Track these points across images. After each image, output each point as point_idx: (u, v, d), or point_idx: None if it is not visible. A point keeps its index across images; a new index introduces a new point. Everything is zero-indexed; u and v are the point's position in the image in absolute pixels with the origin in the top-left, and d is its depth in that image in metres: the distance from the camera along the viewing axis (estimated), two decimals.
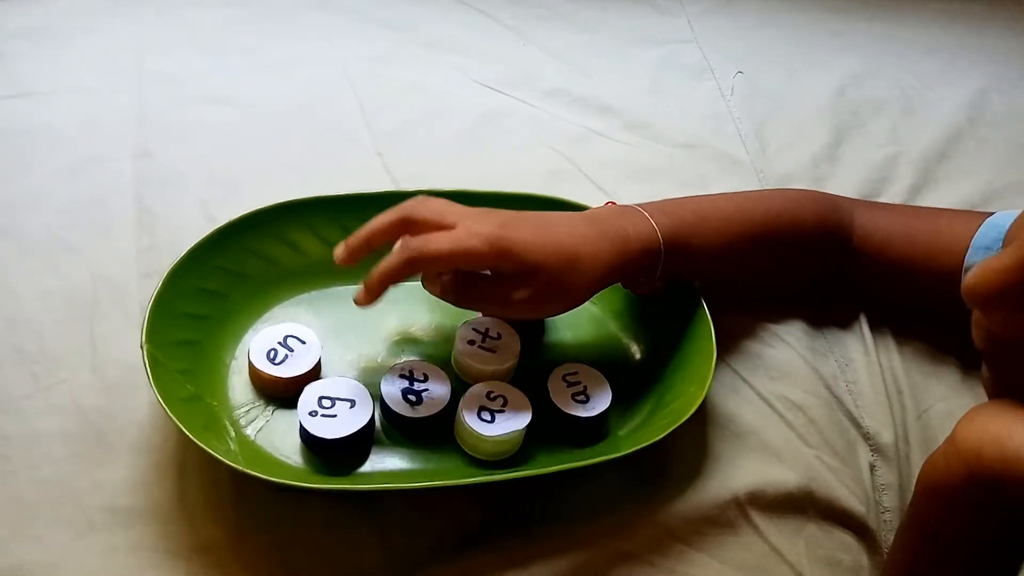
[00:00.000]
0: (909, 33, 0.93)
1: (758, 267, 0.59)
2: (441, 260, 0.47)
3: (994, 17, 0.97)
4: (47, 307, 0.56)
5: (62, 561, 0.46)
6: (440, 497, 0.49)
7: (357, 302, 0.48)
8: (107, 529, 0.47)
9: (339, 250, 0.49)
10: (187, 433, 0.45)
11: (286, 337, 0.52)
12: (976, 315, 0.36)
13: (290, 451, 0.50)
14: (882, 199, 0.71)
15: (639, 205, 0.54)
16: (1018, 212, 0.56)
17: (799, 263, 0.60)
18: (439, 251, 0.46)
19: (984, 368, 0.38)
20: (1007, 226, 0.54)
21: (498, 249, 0.46)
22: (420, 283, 0.51)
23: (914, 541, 0.39)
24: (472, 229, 0.47)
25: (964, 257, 0.56)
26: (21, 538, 0.46)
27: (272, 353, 0.52)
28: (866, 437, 0.56)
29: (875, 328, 0.61)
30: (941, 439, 0.55)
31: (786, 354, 0.59)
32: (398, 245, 0.47)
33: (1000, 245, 0.54)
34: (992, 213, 0.58)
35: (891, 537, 0.53)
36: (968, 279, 0.34)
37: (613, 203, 0.57)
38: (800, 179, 0.72)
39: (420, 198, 0.50)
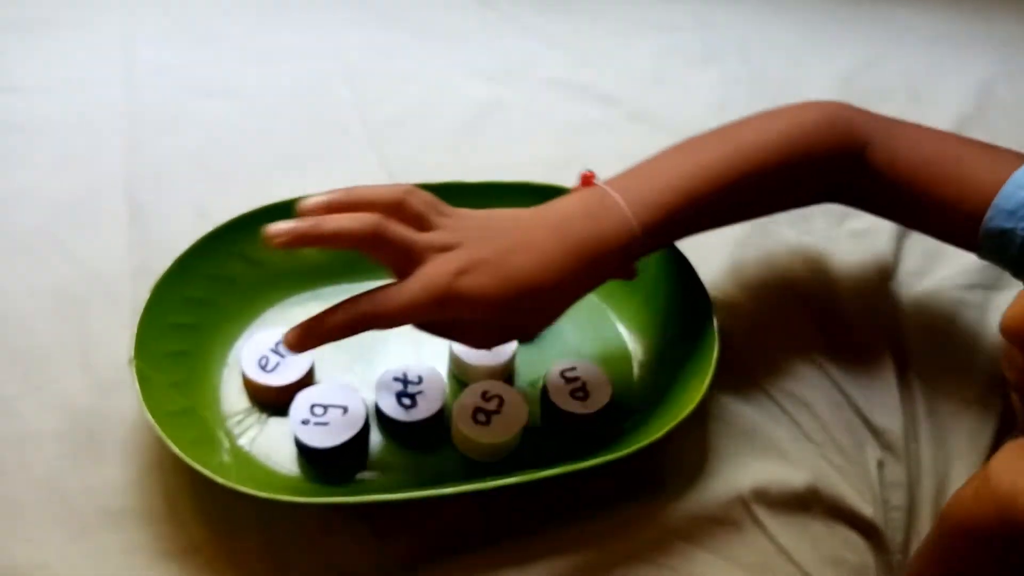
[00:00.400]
0: (915, 21, 0.92)
1: (749, 215, 0.56)
2: (394, 322, 0.43)
3: (1001, 4, 0.96)
4: (37, 305, 0.55)
5: (53, 561, 0.45)
6: (436, 498, 0.48)
7: (287, 344, 0.42)
8: (99, 530, 0.46)
9: (280, 227, 0.43)
10: (176, 451, 0.44)
11: (278, 344, 0.51)
12: (1009, 349, 0.35)
13: (285, 460, 0.49)
14: None
15: (618, 188, 0.48)
16: None
17: (797, 196, 0.56)
18: (390, 314, 0.42)
19: (1015, 399, 0.37)
20: None
21: (449, 306, 0.43)
22: None
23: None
24: (426, 281, 0.42)
25: (985, 214, 0.51)
26: (12, 539, 0.46)
27: (264, 360, 0.51)
28: (875, 434, 0.55)
29: (889, 320, 0.60)
30: (950, 438, 0.56)
31: (793, 350, 0.58)
32: (343, 304, 0.43)
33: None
34: (1021, 156, 0.53)
35: (898, 536, 0.52)
36: (1006, 317, 0.33)
37: (590, 175, 0.52)
38: None
39: (394, 204, 0.44)
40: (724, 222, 0.54)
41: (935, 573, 0.38)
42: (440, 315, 0.44)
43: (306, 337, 0.42)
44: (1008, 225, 0.50)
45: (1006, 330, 0.33)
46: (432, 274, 0.42)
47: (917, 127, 0.58)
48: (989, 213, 0.51)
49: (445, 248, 0.43)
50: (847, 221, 0.67)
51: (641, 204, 0.48)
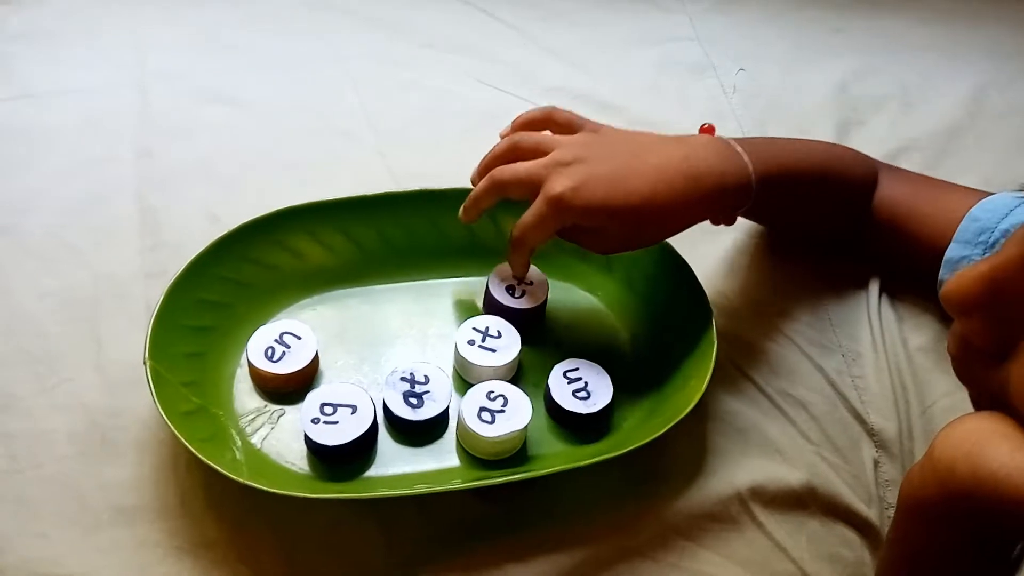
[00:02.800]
0: (909, 29, 0.93)
1: (813, 214, 0.62)
2: (535, 235, 0.52)
3: (993, 12, 0.97)
4: (50, 307, 0.56)
5: (67, 558, 0.46)
6: (442, 495, 0.49)
7: (461, 217, 0.55)
8: (112, 526, 0.48)
9: (473, 174, 0.57)
10: (191, 448, 0.45)
11: (282, 334, 0.53)
12: (953, 324, 0.36)
13: (295, 457, 0.50)
14: None
15: (738, 142, 0.54)
16: (999, 196, 0.57)
17: (842, 213, 0.62)
18: (527, 230, 0.52)
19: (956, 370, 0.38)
20: (986, 220, 0.55)
21: (563, 213, 0.50)
22: (421, 285, 0.57)
23: (895, 558, 0.39)
24: (547, 190, 0.50)
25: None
26: (27, 535, 0.47)
27: (270, 351, 0.52)
28: (870, 433, 0.56)
29: (883, 321, 0.62)
30: None
31: (790, 350, 0.59)
32: (487, 176, 0.53)
33: (981, 238, 0.55)
34: (991, 194, 0.58)
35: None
36: (945, 286, 0.34)
37: (710, 127, 0.60)
38: None
39: (525, 122, 0.57)
40: (796, 211, 0.61)
41: (895, 553, 0.39)
42: (562, 222, 0.51)
43: (467, 208, 0.55)
44: (964, 253, 0.54)
45: (944, 298, 0.34)
46: (553, 186, 0.50)
47: (899, 169, 0.65)
48: (951, 244, 0.56)
49: (572, 162, 0.51)
50: None
51: (758, 159, 0.54)
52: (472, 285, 0.60)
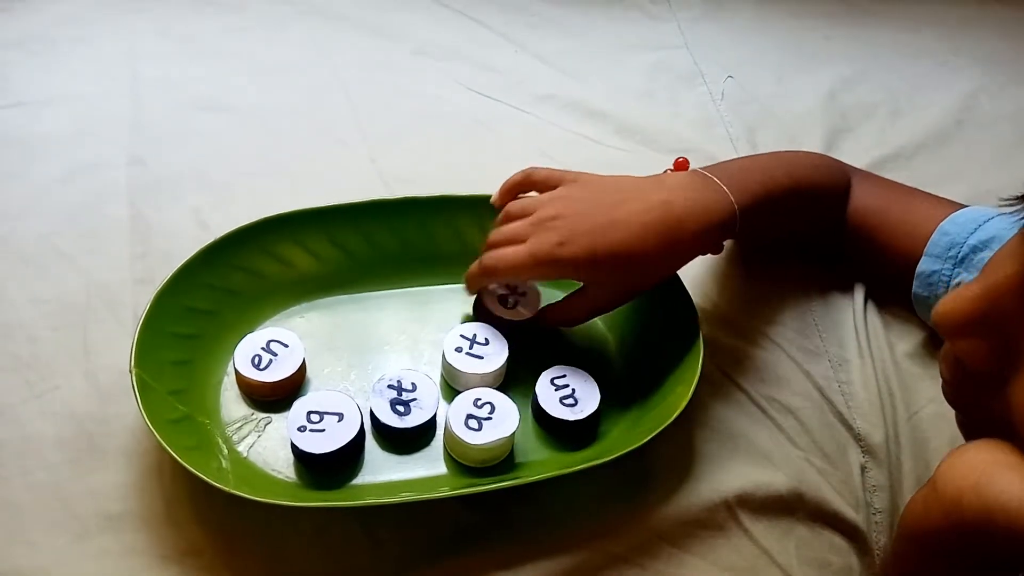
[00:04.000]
0: (898, 37, 0.94)
1: (792, 228, 0.63)
2: (509, 276, 0.54)
3: (982, 20, 0.98)
4: (40, 314, 0.56)
5: (55, 566, 0.46)
6: (429, 502, 0.49)
7: (467, 288, 0.57)
8: (100, 534, 0.47)
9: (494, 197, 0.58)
10: (176, 456, 0.45)
11: (269, 342, 0.53)
12: (945, 347, 0.36)
13: (282, 465, 0.50)
14: None
15: (713, 174, 0.54)
16: (969, 209, 0.57)
17: (819, 224, 0.63)
18: (506, 270, 0.53)
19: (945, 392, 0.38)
20: (955, 235, 0.56)
21: (553, 269, 0.52)
22: (410, 292, 0.57)
23: None
24: (533, 248, 0.52)
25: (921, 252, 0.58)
26: (14, 543, 0.47)
27: (257, 359, 0.52)
28: (857, 439, 0.57)
29: (870, 327, 0.62)
30: (932, 441, 0.57)
31: (777, 356, 0.59)
32: (482, 258, 0.54)
33: (951, 253, 0.56)
34: (964, 206, 0.59)
35: (882, 538, 0.53)
36: (938, 307, 0.34)
37: (684, 161, 0.60)
38: None
39: (507, 189, 0.57)
40: (777, 228, 0.61)
41: None
42: (548, 276, 0.54)
43: (470, 281, 0.56)
44: (936, 267, 0.54)
45: (936, 319, 0.34)
46: (539, 242, 0.52)
47: (873, 176, 0.65)
48: (921, 260, 0.57)
49: (555, 218, 0.52)
50: None
51: (739, 190, 0.54)
52: (462, 292, 0.60)
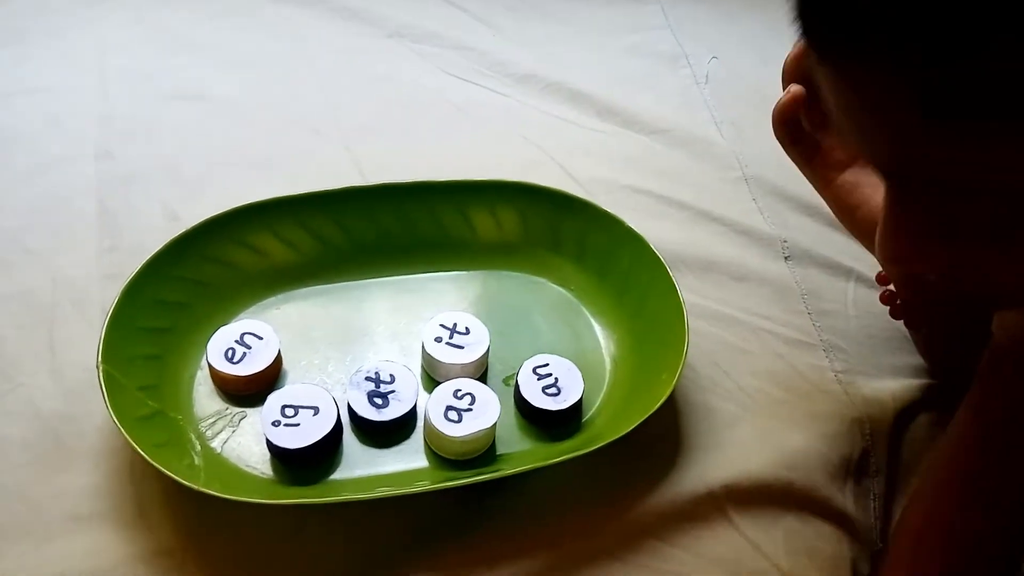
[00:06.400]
0: None
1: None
2: None
3: None
4: (6, 311, 0.55)
5: (20, 570, 0.45)
6: (408, 497, 0.48)
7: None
8: (67, 535, 0.46)
9: None
10: (143, 455, 0.44)
11: (242, 335, 0.51)
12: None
13: (257, 461, 0.49)
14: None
15: None
16: None
17: None
18: None
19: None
20: None
21: None
22: (388, 281, 0.55)
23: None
24: None
25: None
26: None
27: (230, 352, 0.51)
28: (851, 425, 0.55)
29: (863, 313, 0.61)
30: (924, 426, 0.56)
31: (767, 344, 0.58)
32: None
33: None
34: None
35: (878, 524, 0.52)
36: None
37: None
38: (777, 162, 0.71)
39: None
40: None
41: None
42: None
43: None
44: None
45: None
46: None
47: None
48: None
49: None
50: (817, 217, 0.67)
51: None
52: (441, 280, 0.59)
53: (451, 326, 0.53)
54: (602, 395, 0.54)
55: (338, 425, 0.49)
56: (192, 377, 0.52)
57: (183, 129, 0.68)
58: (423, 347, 0.53)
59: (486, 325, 0.54)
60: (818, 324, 0.60)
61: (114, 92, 0.70)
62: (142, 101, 0.70)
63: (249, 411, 0.51)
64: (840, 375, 0.57)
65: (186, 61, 0.74)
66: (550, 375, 0.52)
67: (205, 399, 0.51)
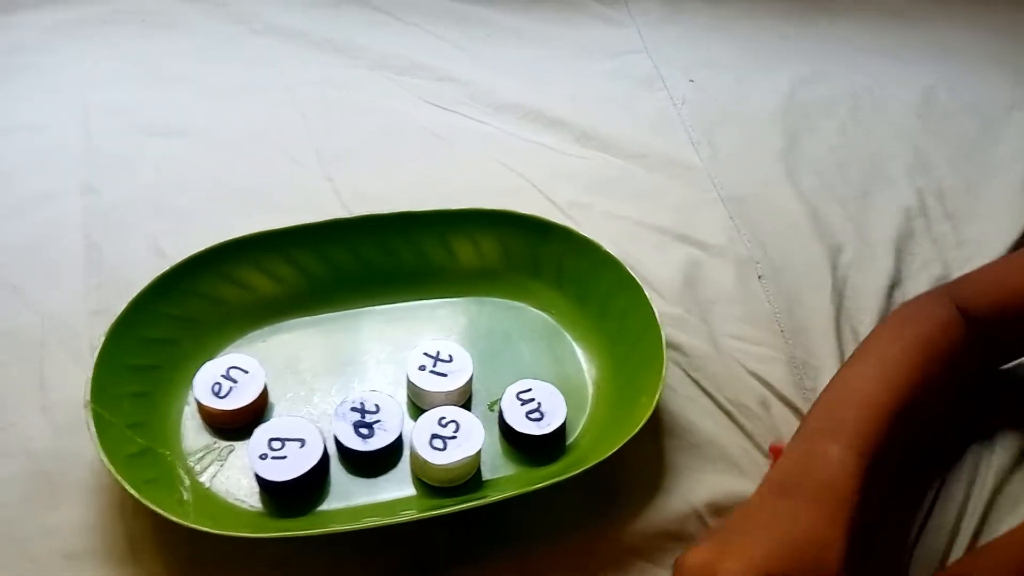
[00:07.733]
0: (857, 34, 0.94)
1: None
2: None
3: (940, 14, 0.99)
4: None
5: None
6: (395, 527, 0.49)
7: None
8: (59, 572, 0.46)
9: None
10: (133, 493, 0.44)
11: (229, 369, 0.52)
12: None
13: (245, 494, 0.49)
14: (835, 200, 0.72)
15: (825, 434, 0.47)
16: None
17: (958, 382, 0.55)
18: None
19: None
20: None
21: None
22: (372, 311, 0.55)
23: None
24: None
25: None
26: None
27: (216, 387, 0.51)
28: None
29: (840, 333, 0.62)
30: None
31: (744, 362, 0.59)
32: None
33: None
34: None
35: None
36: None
37: (778, 447, 0.51)
38: (753, 184, 0.73)
39: None
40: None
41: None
42: None
43: None
44: None
45: None
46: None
47: (964, 279, 0.58)
48: None
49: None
50: (791, 237, 0.69)
51: (850, 449, 0.46)
52: (424, 309, 0.60)
53: (434, 354, 0.54)
54: (585, 418, 0.55)
55: (325, 456, 0.50)
56: (180, 413, 0.52)
57: (166, 162, 0.69)
58: (407, 376, 0.54)
59: (469, 351, 0.55)
60: (790, 342, 0.61)
61: (97, 127, 0.71)
62: (125, 136, 0.71)
63: (237, 444, 0.51)
64: (809, 393, 0.58)
65: (168, 95, 0.75)
66: (533, 400, 0.53)
67: (193, 434, 0.52)
